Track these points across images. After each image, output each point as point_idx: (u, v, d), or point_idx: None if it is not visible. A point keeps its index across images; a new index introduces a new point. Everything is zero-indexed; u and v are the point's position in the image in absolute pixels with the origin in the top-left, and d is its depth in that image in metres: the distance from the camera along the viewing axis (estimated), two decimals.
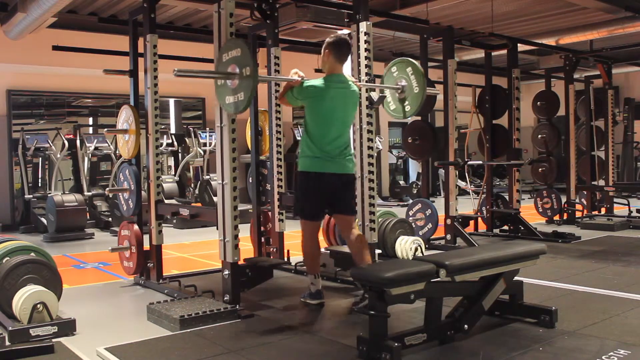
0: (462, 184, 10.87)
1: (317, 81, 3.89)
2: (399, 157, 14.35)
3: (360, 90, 4.24)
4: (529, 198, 11.68)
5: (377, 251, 4.57)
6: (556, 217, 8.50)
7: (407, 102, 4.54)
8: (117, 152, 9.49)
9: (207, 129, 10.73)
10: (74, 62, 9.09)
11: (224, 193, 3.95)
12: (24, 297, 3.48)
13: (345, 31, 6.83)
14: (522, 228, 7.14)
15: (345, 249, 4.60)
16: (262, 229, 5.34)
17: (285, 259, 5.18)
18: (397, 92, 4.55)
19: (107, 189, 8.38)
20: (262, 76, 3.71)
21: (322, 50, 3.95)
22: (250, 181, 5.45)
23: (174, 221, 8.82)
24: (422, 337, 3.03)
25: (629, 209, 8.39)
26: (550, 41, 9.52)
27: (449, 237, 6.47)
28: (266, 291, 4.56)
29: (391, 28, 7.45)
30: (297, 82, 3.86)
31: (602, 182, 9.44)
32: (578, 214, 8.57)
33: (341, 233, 4.22)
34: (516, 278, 3.50)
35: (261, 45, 5.39)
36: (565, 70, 8.77)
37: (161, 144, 5.03)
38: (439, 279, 3.03)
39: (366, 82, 4.33)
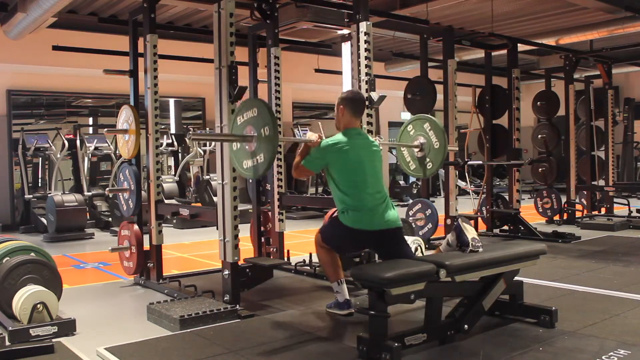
0: (462, 184, 10.88)
1: (336, 136, 3.70)
2: None
3: (381, 148, 4.00)
4: (529, 198, 11.68)
5: None
6: (556, 217, 8.51)
7: (428, 160, 4.35)
8: (117, 152, 9.50)
9: (207, 129, 10.72)
10: (74, 62, 9.10)
11: (224, 193, 3.96)
12: (24, 297, 3.48)
13: (345, 31, 6.85)
14: (522, 228, 7.14)
15: None
16: (262, 229, 5.34)
17: (285, 259, 5.18)
18: (415, 150, 4.33)
19: (107, 189, 8.39)
20: (283, 137, 3.45)
21: (336, 107, 3.77)
22: (250, 181, 5.45)
23: (174, 221, 8.82)
24: (422, 337, 3.02)
25: (629, 209, 8.39)
26: (550, 41, 9.52)
27: None
28: (266, 291, 4.56)
29: (391, 28, 7.44)
30: (316, 142, 3.64)
31: (602, 182, 9.45)
32: (578, 214, 8.58)
33: None
34: (516, 278, 3.50)
35: (261, 45, 5.39)
36: (565, 70, 8.77)
37: (161, 144, 5.04)
38: (439, 279, 3.03)
39: (366, 82, 4.32)
